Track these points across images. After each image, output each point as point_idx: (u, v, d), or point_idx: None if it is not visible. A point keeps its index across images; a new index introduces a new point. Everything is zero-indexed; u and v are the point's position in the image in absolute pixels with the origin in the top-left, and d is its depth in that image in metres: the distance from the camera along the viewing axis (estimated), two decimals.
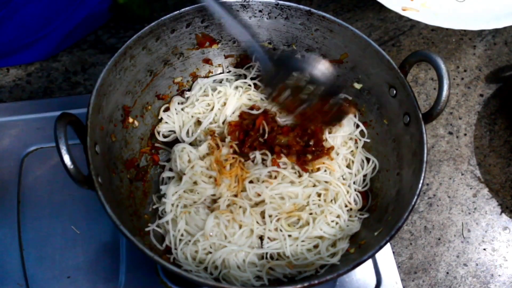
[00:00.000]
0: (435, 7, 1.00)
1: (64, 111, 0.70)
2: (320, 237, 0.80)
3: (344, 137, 0.89)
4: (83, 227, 0.88)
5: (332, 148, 0.86)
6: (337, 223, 0.82)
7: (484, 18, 0.98)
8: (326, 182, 0.84)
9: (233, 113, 0.90)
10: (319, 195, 0.84)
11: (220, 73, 0.97)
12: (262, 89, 0.88)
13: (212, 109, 0.91)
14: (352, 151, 0.89)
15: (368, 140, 0.91)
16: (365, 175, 0.88)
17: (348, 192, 0.85)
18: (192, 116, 0.91)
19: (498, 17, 0.97)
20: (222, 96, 0.92)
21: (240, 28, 0.80)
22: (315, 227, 0.79)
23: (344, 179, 0.87)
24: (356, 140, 0.90)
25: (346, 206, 0.84)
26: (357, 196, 0.86)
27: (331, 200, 0.84)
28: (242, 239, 0.79)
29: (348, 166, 0.89)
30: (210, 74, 0.97)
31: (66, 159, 0.65)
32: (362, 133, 0.92)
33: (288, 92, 0.81)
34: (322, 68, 0.82)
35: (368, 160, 0.89)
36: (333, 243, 0.80)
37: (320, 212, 0.81)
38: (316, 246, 0.79)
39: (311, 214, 0.82)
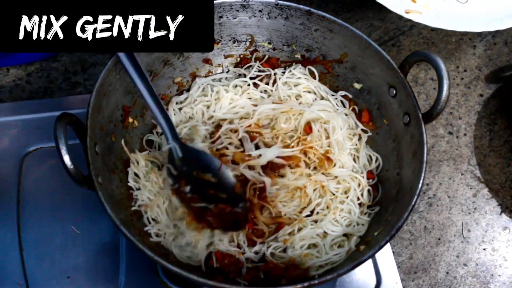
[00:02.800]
0: (438, 9, 1.00)
1: (64, 111, 0.70)
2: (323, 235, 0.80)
3: (344, 133, 0.88)
4: (83, 227, 0.88)
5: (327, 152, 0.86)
6: (346, 218, 0.81)
7: (486, 19, 0.98)
8: (336, 177, 0.84)
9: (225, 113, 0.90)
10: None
11: (220, 73, 0.97)
12: (164, 177, 0.82)
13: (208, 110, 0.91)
14: (356, 145, 0.89)
15: (370, 134, 0.91)
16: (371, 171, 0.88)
17: (359, 185, 0.84)
18: (190, 118, 0.91)
19: (501, 19, 0.97)
20: (218, 96, 0.92)
21: (158, 114, 0.79)
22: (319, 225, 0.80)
23: (354, 172, 0.86)
24: (360, 135, 0.90)
25: (358, 199, 0.84)
26: (368, 192, 0.85)
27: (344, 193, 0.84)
28: None
29: (354, 161, 0.88)
30: (210, 74, 0.97)
31: (66, 159, 0.66)
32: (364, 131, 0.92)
33: (188, 189, 0.79)
34: (226, 174, 0.80)
35: (371, 157, 0.89)
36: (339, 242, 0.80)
37: (328, 210, 0.81)
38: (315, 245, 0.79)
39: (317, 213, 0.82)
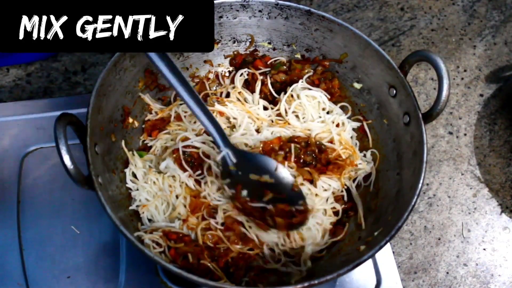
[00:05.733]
0: None
1: (64, 111, 0.70)
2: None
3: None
4: (83, 227, 0.88)
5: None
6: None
7: None
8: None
9: None
10: None
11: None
12: (220, 184, 0.81)
13: None
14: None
15: (358, 124, 0.92)
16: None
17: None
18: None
19: None
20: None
21: (207, 122, 0.77)
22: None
23: None
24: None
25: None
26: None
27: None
28: None
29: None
30: (210, 74, 0.97)
31: (66, 159, 0.66)
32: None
33: (245, 193, 0.79)
34: (283, 173, 0.80)
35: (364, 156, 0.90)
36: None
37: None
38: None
39: None
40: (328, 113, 0.92)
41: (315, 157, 0.85)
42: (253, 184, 0.79)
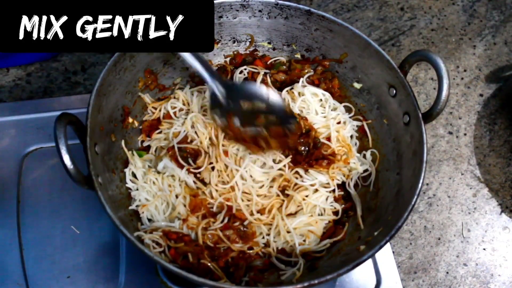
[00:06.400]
0: None
1: (64, 111, 0.70)
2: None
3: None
4: (83, 227, 0.88)
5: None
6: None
7: None
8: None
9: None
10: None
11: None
12: (211, 116, 0.82)
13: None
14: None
15: (359, 124, 0.92)
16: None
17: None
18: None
19: None
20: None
21: (191, 57, 0.78)
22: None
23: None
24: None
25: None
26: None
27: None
28: None
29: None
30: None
31: (66, 159, 0.65)
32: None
33: (237, 121, 0.80)
34: (273, 97, 0.81)
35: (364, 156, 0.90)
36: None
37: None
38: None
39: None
40: (332, 110, 0.93)
41: (308, 149, 0.86)
42: (244, 112, 0.81)
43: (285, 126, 0.81)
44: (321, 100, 0.92)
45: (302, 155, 0.86)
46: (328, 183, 0.85)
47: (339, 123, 0.91)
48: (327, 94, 0.92)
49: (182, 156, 0.83)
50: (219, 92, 0.80)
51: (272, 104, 0.81)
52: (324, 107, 0.92)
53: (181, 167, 0.82)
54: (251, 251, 0.79)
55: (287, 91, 0.92)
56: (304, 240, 0.81)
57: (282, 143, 0.81)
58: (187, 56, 0.78)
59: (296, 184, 0.84)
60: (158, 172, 0.83)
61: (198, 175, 0.83)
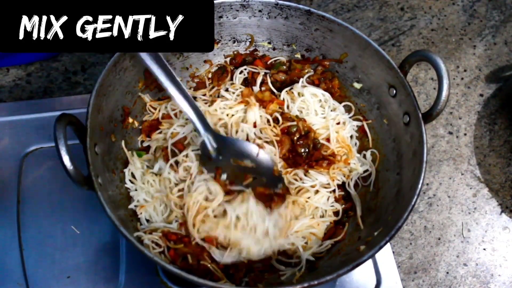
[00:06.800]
0: None
1: (64, 111, 0.70)
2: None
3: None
4: (83, 227, 0.88)
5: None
6: None
7: None
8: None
9: None
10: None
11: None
12: (199, 168, 0.82)
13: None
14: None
15: (359, 124, 0.92)
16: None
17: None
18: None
19: None
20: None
21: (187, 107, 0.79)
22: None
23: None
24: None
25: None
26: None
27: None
28: None
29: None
30: (209, 74, 0.97)
31: (66, 160, 0.65)
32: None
33: (225, 177, 0.80)
34: (263, 156, 0.82)
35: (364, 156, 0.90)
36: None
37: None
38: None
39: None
40: (332, 110, 0.93)
41: (307, 151, 0.86)
42: (233, 168, 0.81)
43: (272, 189, 0.81)
44: (320, 100, 0.92)
45: (302, 157, 0.86)
46: (328, 184, 0.85)
47: (338, 123, 0.90)
48: (327, 95, 0.92)
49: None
50: (210, 145, 0.81)
51: (261, 164, 0.82)
52: (324, 108, 0.92)
53: (174, 169, 0.82)
54: None
55: (286, 91, 0.92)
56: (306, 243, 0.81)
57: (266, 207, 0.80)
58: (184, 106, 0.79)
59: (297, 187, 0.84)
60: (156, 174, 0.83)
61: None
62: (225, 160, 0.81)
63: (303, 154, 0.86)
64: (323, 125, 0.89)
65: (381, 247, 0.68)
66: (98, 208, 0.68)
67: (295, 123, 0.86)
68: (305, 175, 0.85)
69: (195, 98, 0.91)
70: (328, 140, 0.88)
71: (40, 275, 0.84)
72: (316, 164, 0.85)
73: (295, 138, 0.86)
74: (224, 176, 0.80)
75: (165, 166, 0.82)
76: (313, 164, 0.85)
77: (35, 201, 0.90)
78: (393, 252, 0.91)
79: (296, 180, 0.84)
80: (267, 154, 0.83)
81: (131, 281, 0.84)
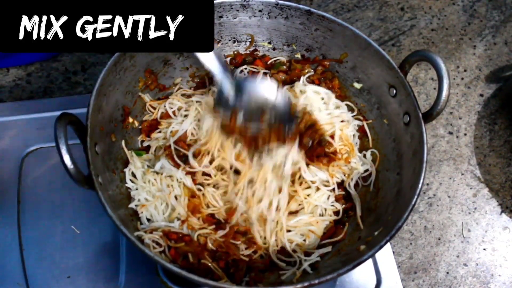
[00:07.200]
0: None
1: (64, 111, 0.70)
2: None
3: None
4: (83, 227, 0.88)
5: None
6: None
7: None
8: None
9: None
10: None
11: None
12: (216, 110, 0.81)
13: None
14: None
15: (360, 123, 0.92)
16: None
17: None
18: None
19: None
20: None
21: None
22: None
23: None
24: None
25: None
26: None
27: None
28: None
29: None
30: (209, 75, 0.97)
31: (66, 159, 0.65)
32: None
33: (241, 116, 0.79)
34: (281, 96, 0.81)
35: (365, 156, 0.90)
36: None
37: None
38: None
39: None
40: (335, 108, 0.93)
41: (312, 144, 0.86)
42: (250, 108, 0.80)
43: (287, 125, 0.80)
44: (323, 98, 0.92)
45: (304, 148, 0.85)
46: (327, 181, 0.85)
47: (342, 121, 0.90)
48: (330, 93, 0.92)
49: (178, 155, 0.83)
50: (227, 88, 0.79)
51: (279, 104, 0.80)
52: (327, 104, 0.92)
53: (178, 166, 0.82)
54: (255, 255, 0.79)
55: (287, 89, 0.92)
56: (304, 240, 0.81)
57: (280, 142, 0.80)
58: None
59: (300, 177, 0.83)
60: (157, 173, 0.83)
61: (194, 178, 0.83)
62: (243, 102, 0.79)
63: (306, 145, 0.85)
64: (327, 122, 0.89)
65: (381, 247, 0.68)
66: (98, 208, 0.68)
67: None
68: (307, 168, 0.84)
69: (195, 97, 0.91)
70: (332, 137, 0.87)
71: (40, 275, 0.84)
72: (316, 160, 0.85)
73: (303, 127, 0.85)
74: (240, 116, 0.79)
75: (170, 166, 0.82)
76: (313, 159, 0.85)
77: (35, 201, 0.90)
78: (393, 252, 0.91)
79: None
80: (283, 91, 0.82)
81: (131, 281, 0.84)
